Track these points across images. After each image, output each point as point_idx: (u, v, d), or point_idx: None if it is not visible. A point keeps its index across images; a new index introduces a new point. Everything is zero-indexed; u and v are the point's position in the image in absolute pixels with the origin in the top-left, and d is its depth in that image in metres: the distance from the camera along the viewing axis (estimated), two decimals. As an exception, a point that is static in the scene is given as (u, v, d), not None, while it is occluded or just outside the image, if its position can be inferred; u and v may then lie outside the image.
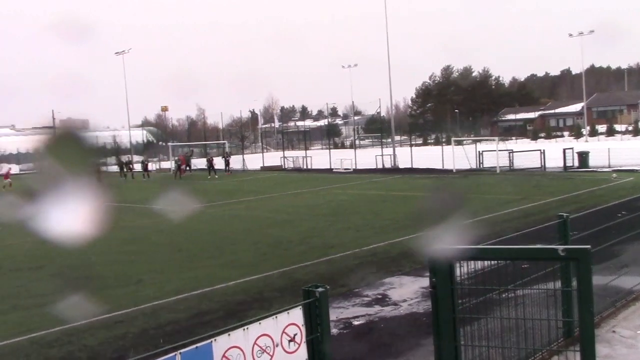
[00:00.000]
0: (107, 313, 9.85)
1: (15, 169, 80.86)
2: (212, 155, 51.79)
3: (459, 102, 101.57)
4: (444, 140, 49.70)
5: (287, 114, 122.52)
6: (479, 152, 38.64)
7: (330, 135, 72.39)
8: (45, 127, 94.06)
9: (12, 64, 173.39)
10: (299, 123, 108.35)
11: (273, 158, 55.58)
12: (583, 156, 35.09)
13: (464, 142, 47.92)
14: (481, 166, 37.94)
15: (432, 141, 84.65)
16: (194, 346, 3.56)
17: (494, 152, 36.65)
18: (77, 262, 14.57)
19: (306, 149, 54.74)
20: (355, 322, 8.86)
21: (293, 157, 51.38)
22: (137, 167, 51.53)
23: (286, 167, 50.13)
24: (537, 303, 5.82)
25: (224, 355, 3.69)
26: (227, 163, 47.12)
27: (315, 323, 4.20)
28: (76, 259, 15.09)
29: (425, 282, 10.30)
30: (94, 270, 13.57)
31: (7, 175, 44.15)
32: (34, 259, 15.33)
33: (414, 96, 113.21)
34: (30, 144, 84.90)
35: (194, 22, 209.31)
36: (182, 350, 3.47)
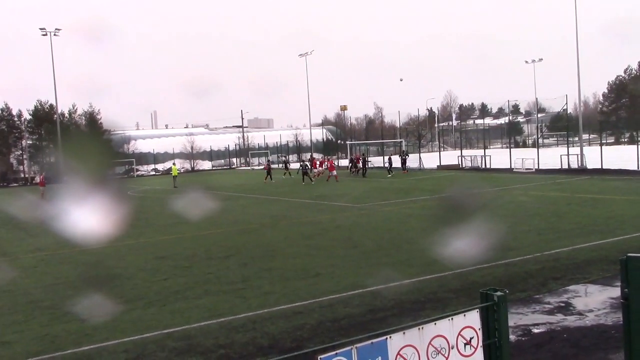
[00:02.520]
0: (288, 304, 10.35)
1: (207, 165, 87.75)
2: (393, 153, 51.89)
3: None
4: (639, 139, 45.41)
5: (465, 111, 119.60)
6: (682, 152, 34.84)
7: (511, 134, 69.56)
8: (235, 126, 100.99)
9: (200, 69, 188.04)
10: (478, 121, 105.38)
11: (450, 157, 54.64)
12: None
13: (664, 141, 43.39)
14: (684, 168, 34.18)
15: (625, 140, 78.04)
16: (369, 342, 3.61)
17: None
18: (261, 254, 15.49)
19: (485, 147, 53.05)
20: (535, 330, 8.44)
21: (471, 156, 50.07)
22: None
23: (464, 166, 49.04)
24: None
25: (398, 353, 3.70)
26: (403, 162, 47.19)
27: (493, 328, 4.07)
28: (261, 250, 16.06)
29: (615, 292, 9.53)
30: (275, 262, 14.32)
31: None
32: (224, 249, 16.53)
33: (606, 91, 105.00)
34: (221, 142, 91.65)
35: (370, 19, 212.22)
36: (358, 345, 3.54)
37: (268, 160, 51.34)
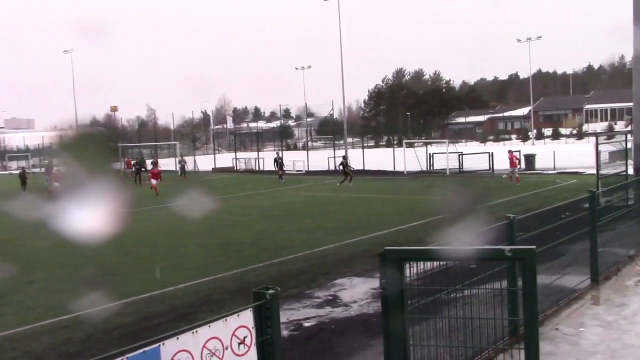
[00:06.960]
0: (53, 318, 9.60)
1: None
2: (168, 156, 50.09)
3: (411, 105, 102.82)
4: (395, 142, 50.24)
5: (239, 115, 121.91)
6: (429, 154, 39.15)
7: (282, 137, 72.23)
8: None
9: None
10: (252, 124, 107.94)
11: (225, 159, 55.07)
12: (530, 159, 35.97)
13: (415, 144, 48.43)
14: (432, 168, 38.46)
15: (384, 143, 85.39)
16: (141, 350, 3.49)
17: (444, 155, 37.22)
18: (22, 266, 14.16)
19: (258, 150, 54.50)
20: (306, 324, 8.87)
21: (245, 159, 51.05)
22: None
23: (238, 168, 49.80)
24: (484, 302, 5.94)
25: (172, 359, 3.64)
26: (182, 167, 45.60)
27: (265, 325, 4.19)
28: (21, 262, 14.67)
29: (375, 283, 10.36)
30: (38, 274, 13.22)
31: None
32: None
33: (367, 98, 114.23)
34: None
35: (143, 21, 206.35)
36: (129, 355, 3.40)
37: (22, 168, 45.01)
